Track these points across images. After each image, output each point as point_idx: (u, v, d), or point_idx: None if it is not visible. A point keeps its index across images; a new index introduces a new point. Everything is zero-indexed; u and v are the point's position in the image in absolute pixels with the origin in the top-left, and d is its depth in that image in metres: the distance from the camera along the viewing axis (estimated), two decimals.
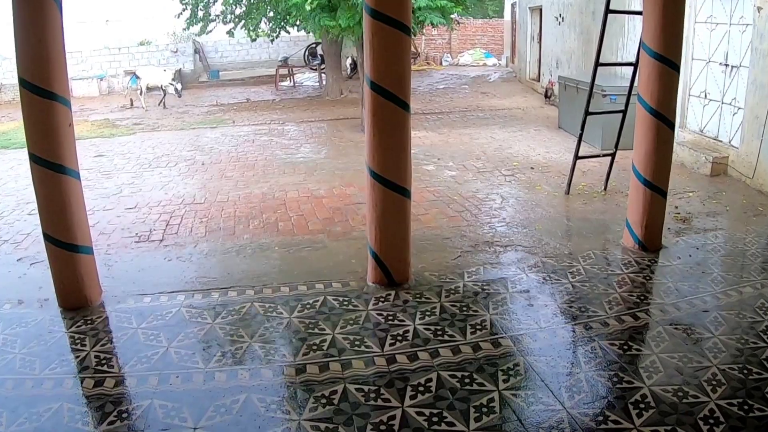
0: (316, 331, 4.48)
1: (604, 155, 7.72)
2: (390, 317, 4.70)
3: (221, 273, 5.64)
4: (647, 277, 5.33)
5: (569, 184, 7.68)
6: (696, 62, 8.75)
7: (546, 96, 13.91)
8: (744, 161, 7.71)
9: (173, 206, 7.73)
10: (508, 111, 13.36)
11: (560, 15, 14.21)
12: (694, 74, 8.79)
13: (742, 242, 6.08)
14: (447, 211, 7.18)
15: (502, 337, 4.40)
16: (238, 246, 6.28)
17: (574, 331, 4.48)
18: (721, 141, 8.27)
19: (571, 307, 4.82)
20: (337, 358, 4.14)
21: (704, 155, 8.15)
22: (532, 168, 8.91)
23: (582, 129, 7.36)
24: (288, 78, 18.89)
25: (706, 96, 8.57)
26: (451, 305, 4.87)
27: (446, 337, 4.39)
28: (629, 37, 10.70)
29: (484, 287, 5.18)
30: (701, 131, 8.67)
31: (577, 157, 7.52)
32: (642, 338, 4.35)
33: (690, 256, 5.74)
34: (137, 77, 15.15)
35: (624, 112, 7.33)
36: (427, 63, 21.44)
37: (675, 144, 8.83)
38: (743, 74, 7.76)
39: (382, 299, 4.98)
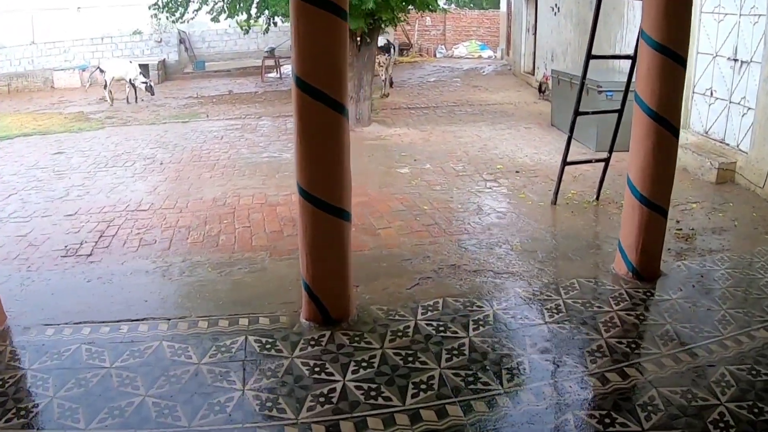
0: (225, 384, 3.59)
1: (597, 161, 6.67)
2: (317, 368, 3.76)
3: (139, 299, 4.74)
4: (641, 317, 4.33)
5: (556, 193, 6.65)
6: (702, 56, 7.67)
7: (540, 91, 12.82)
8: (754, 168, 6.66)
9: (114, 213, 6.78)
10: (499, 106, 12.30)
11: (556, 5, 13.12)
12: (699, 70, 7.72)
13: (752, 267, 5.07)
14: (413, 225, 6.16)
15: (450, 403, 3.44)
16: (167, 265, 5.36)
17: (543, 397, 3.46)
18: (728, 144, 7.22)
19: (544, 359, 3.84)
20: (239, 426, 3.26)
21: (709, 160, 7.10)
22: (517, 172, 7.88)
23: (571, 131, 6.32)
24: (275, 69, 17.82)
25: (712, 94, 7.50)
26: (396, 353, 3.93)
27: (380, 401, 3.45)
28: (629, 28, 9.63)
29: (440, 329, 4.21)
30: (706, 133, 7.61)
31: (565, 162, 6.49)
32: (630, 406, 3.35)
33: (693, 286, 4.73)
34: (101, 70, 14.06)
35: (620, 111, 6.29)
36: (420, 55, 20.34)
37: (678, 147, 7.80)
38: (754, 71, 6.69)
39: (312, 342, 4.05)
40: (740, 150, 7.00)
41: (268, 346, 3.99)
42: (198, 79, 18.33)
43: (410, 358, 3.85)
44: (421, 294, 4.74)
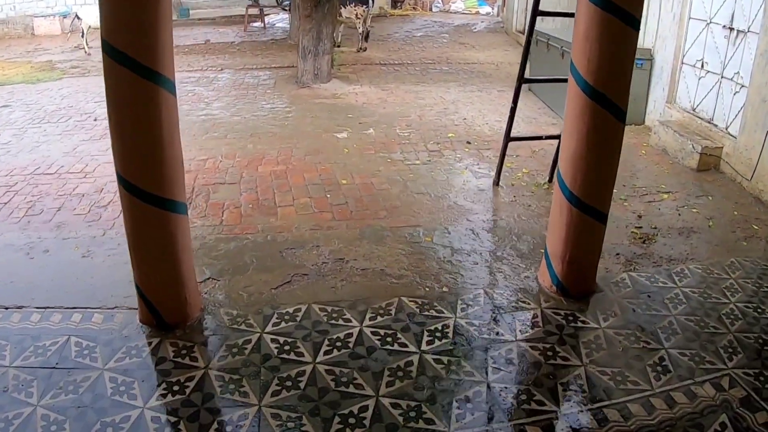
0: (21, 397, 2.90)
1: (549, 137, 5.42)
2: (122, 388, 2.98)
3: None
4: (549, 353, 3.21)
5: (498, 173, 5.46)
6: (694, 22, 6.32)
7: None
8: (742, 156, 5.39)
9: (20, 176, 5.77)
10: (479, 66, 10.91)
11: None
12: (691, 37, 6.38)
13: (716, 287, 3.89)
14: (320, 203, 5.03)
15: None
16: (38, 240, 4.48)
17: None
18: (716, 125, 5.92)
19: (393, 405, 2.72)
20: None
21: (692, 142, 5.82)
22: (468, 143, 6.64)
23: (515, 102, 5.11)
24: (259, 19, 16.40)
25: (703, 66, 6.17)
26: (218, 376, 3.05)
27: None
28: None
29: (285, 348, 3.25)
30: (693, 110, 6.30)
31: (508, 138, 5.25)
32: None
33: (633, 311, 3.57)
34: (78, 18, 12.73)
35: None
36: (414, 8, 18.71)
37: (658, 124, 6.49)
38: (751, 42, 5.37)
39: (134, 352, 3.25)
40: (729, 134, 5.70)
41: (85, 351, 3.23)
42: (180, 27, 16.90)
43: (233, 386, 2.96)
44: (285, 297, 3.70)
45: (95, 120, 7.64)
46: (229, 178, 5.61)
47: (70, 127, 7.41)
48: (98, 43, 10.46)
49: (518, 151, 6.30)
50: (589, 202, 3.44)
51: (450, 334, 3.30)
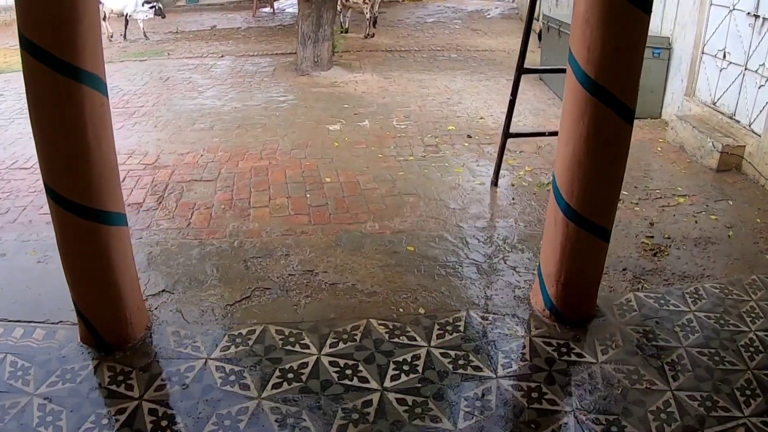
0: None
1: (551, 134, 4.85)
2: (49, 418, 2.59)
3: None
4: (533, 394, 2.73)
5: (497, 172, 4.93)
6: (716, 8, 5.69)
7: (540, 38, 10.73)
8: (767, 156, 4.78)
9: None
10: (489, 53, 10.31)
11: None
12: (712, 25, 5.75)
13: (735, 312, 3.35)
14: (298, 204, 4.56)
15: None
16: None
17: None
18: (738, 122, 5.32)
19: None
20: None
21: (712, 140, 5.23)
22: (469, 136, 6.11)
23: (513, 94, 4.56)
24: (268, 4, 15.89)
25: (725, 56, 5.55)
26: (151, 410, 2.65)
27: None
28: None
29: (230, 378, 2.82)
30: (714, 104, 5.69)
31: (507, 134, 4.71)
32: None
33: (638, 341, 3.04)
34: (99, 2, 12.26)
35: None
36: None
37: (675, 118, 5.88)
38: None
39: (69, 375, 2.84)
40: (752, 131, 5.10)
41: (19, 373, 2.85)
42: (189, 12, 16.51)
43: (164, 422, 2.55)
44: (240, 315, 3.27)
45: None
46: (207, 174, 5.16)
47: None
48: (119, 27, 9.73)
49: (522, 146, 5.76)
50: (589, 216, 2.92)
51: (419, 368, 2.82)
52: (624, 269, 3.74)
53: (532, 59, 9.77)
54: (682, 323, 3.22)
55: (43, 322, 3.22)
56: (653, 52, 6.25)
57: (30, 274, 3.68)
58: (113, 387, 2.77)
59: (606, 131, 2.81)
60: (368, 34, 11.69)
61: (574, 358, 2.92)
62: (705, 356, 2.96)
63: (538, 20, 12.14)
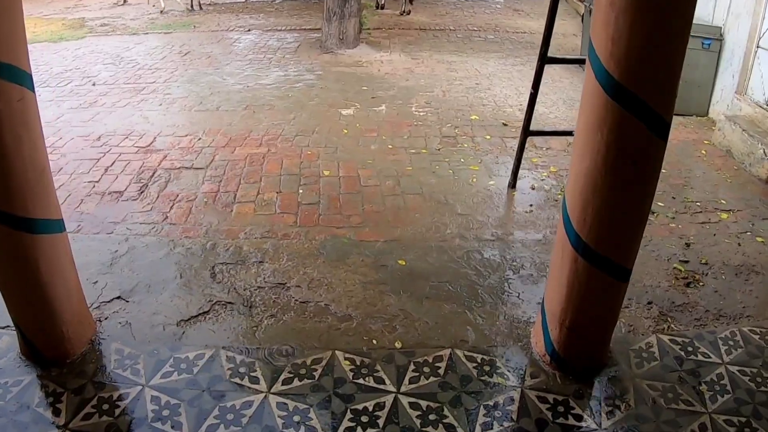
0: None
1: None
2: None
3: None
4: None
5: (515, 173, 4.32)
6: None
7: (583, 20, 9.89)
8: None
9: None
10: (528, 35, 9.55)
11: None
12: None
13: None
14: (288, 201, 4.09)
15: None
16: None
17: None
18: None
19: None
20: None
21: (764, 146, 4.53)
22: (506, 124, 5.48)
23: (535, 86, 3.95)
24: None
25: None
26: None
27: None
28: None
29: (163, 411, 2.46)
30: None
31: (526, 131, 4.10)
32: None
33: (654, 402, 2.47)
34: None
35: None
36: None
37: (724, 118, 5.13)
38: None
39: (1, 392, 2.52)
40: None
41: None
42: None
43: None
44: (192, 334, 2.83)
45: (93, 85, 6.83)
46: (199, 161, 4.70)
47: (65, 92, 6.62)
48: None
49: (550, 141, 5.13)
50: (604, 252, 2.32)
51: (380, 421, 2.30)
52: (649, 302, 3.14)
53: (573, 44, 9.01)
54: (712, 380, 2.62)
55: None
56: (703, 43, 5.50)
57: None
58: (40, 410, 2.42)
59: (631, 147, 2.21)
60: (404, 11, 11.02)
61: (571, 421, 2.36)
62: (734, 427, 2.37)
63: (582, 2, 11.27)
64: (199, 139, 5.14)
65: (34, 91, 2.28)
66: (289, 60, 7.85)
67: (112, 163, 4.68)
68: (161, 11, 11.44)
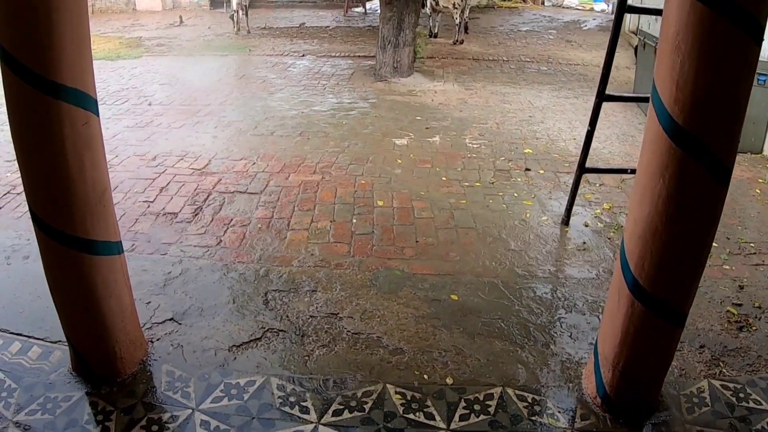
0: None
1: (633, 171, 4.18)
2: None
3: None
4: None
5: (569, 210, 4.31)
6: None
7: (636, 54, 9.82)
8: None
9: None
10: (581, 68, 9.54)
11: None
12: None
13: None
14: (341, 230, 4.19)
15: None
16: (27, 242, 3.94)
17: None
18: None
19: None
20: None
21: None
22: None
23: (592, 123, 3.94)
24: (361, 3, 15.64)
25: None
26: None
27: None
28: None
29: None
30: None
31: (582, 168, 4.09)
32: None
33: None
34: None
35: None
36: (524, 0, 17.21)
37: None
38: None
39: (50, 406, 2.59)
40: None
41: (4, 393, 2.64)
42: (281, 8, 16.54)
43: None
44: (243, 360, 2.90)
45: (150, 104, 7.12)
46: (254, 186, 4.83)
47: (122, 111, 6.92)
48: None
49: (604, 178, 5.11)
50: (661, 296, 2.31)
51: None
52: (701, 346, 3.08)
53: (627, 76, 8.95)
54: (762, 428, 2.55)
55: (41, 339, 3.00)
56: (758, 79, 5.41)
57: (43, 284, 3.44)
58: (89, 427, 2.48)
59: (694, 194, 2.20)
60: (457, 40, 11.16)
61: None
62: None
63: (636, 35, 11.19)
64: (254, 163, 5.29)
65: (98, 115, 2.40)
66: (343, 87, 8.02)
67: (167, 184, 4.85)
68: (236, 32, 11.82)
